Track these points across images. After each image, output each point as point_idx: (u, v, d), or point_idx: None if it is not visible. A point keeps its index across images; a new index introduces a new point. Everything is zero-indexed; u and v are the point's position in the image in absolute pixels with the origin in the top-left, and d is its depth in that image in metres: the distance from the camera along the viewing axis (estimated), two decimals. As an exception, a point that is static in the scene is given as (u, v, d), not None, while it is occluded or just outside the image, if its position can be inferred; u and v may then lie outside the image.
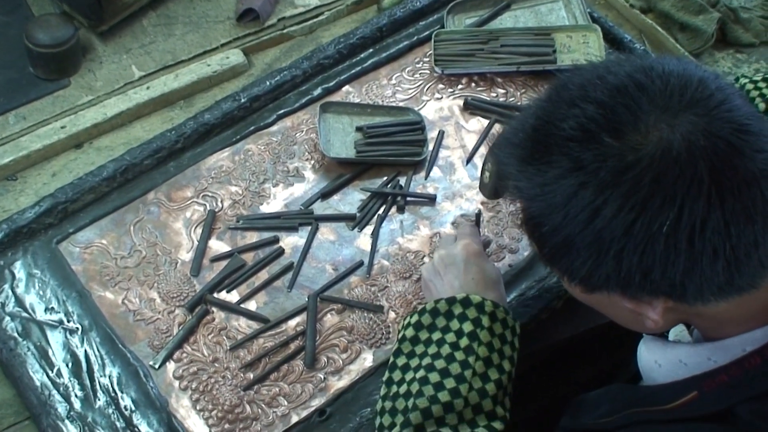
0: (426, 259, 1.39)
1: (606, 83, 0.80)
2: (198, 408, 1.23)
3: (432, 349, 1.09)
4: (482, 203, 1.45)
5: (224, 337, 1.30)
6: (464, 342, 1.08)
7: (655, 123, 0.76)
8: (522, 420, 1.23)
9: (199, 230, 1.40)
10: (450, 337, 1.10)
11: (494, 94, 1.62)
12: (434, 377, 1.05)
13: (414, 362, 1.10)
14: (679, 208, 0.74)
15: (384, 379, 1.13)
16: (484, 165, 1.27)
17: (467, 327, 1.10)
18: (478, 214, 1.31)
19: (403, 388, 1.07)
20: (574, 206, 0.78)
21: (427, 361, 1.08)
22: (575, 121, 0.79)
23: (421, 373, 1.07)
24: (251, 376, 1.26)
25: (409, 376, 1.08)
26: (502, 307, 1.13)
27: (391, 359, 1.14)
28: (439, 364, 1.07)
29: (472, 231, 1.25)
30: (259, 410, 1.23)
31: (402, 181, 1.49)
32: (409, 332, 1.13)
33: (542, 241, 0.84)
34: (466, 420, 1.03)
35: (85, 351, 1.27)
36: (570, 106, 0.80)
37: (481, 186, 1.29)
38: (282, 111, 1.56)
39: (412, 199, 1.47)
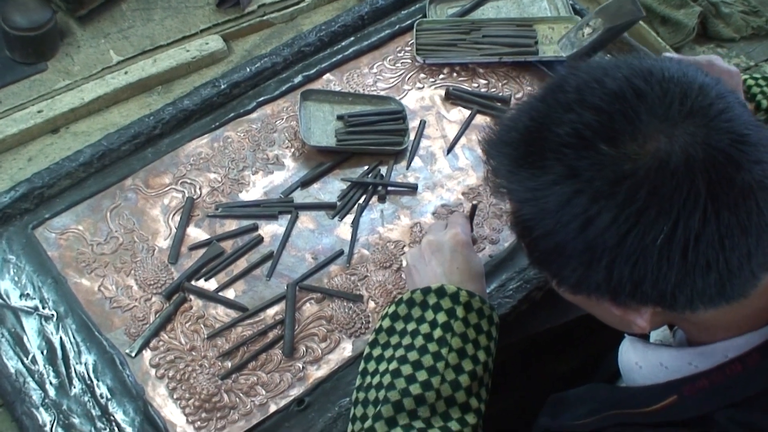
0: (407, 249, 1.38)
1: (604, 87, 0.78)
2: (175, 397, 1.22)
3: (406, 340, 1.08)
4: (461, 193, 1.44)
5: (202, 326, 1.28)
6: (437, 333, 1.07)
7: (653, 133, 0.74)
8: (500, 411, 1.23)
9: (177, 217, 1.39)
10: (424, 328, 1.08)
11: (476, 85, 1.61)
12: (406, 369, 1.04)
13: (388, 353, 1.09)
14: (674, 221, 0.73)
15: (360, 369, 1.12)
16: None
17: (441, 318, 1.08)
18: (474, 206, 1.29)
19: (376, 380, 1.06)
20: (566, 213, 0.76)
21: (400, 352, 1.07)
22: (571, 127, 0.77)
23: (394, 364, 1.06)
24: (229, 364, 1.25)
25: (382, 367, 1.07)
26: (478, 296, 1.12)
27: (367, 350, 1.13)
28: (412, 356, 1.06)
29: (464, 222, 1.24)
30: (237, 399, 1.22)
31: (383, 170, 1.48)
32: (386, 323, 1.13)
33: (533, 246, 0.83)
34: (439, 413, 1.02)
35: (61, 338, 1.26)
36: (566, 110, 0.78)
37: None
38: (262, 98, 1.55)
39: (393, 188, 1.46)
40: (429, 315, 1.10)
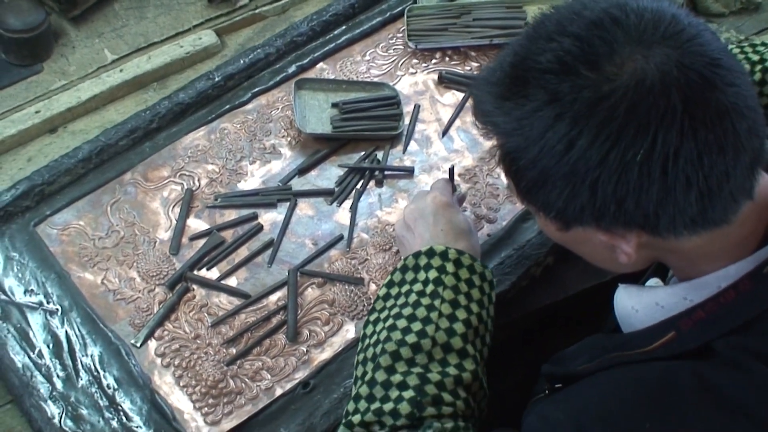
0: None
1: (582, 18, 0.82)
2: (181, 384, 1.23)
3: (400, 300, 1.11)
4: (458, 175, 1.45)
5: (205, 314, 1.30)
6: (430, 288, 1.10)
7: (630, 54, 0.78)
8: (503, 390, 1.23)
9: (177, 209, 1.40)
10: (417, 287, 1.11)
11: (468, 68, 1.62)
12: (402, 323, 1.07)
13: (384, 314, 1.11)
14: (652, 137, 0.76)
15: (360, 336, 1.14)
16: None
17: (432, 274, 1.11)
18: (451, 169, 1.31)
19: (374, 339, 1.09)
20: (550, 138, 0.80)
21: (395, 311, 1.10)
22: (552, 54, 0.81)
23: (390, 321, 1.08)
24: (234, 351, 1.26)
25: (379, 327, 1.10)
26: (468, 254, 1.14)
27: (366, 318, 1.15)
28: (407, 311, 1.08)
29: (444, 185, 1.26)
30: (243, 384, 1.23)
31: (379, 155, 1.49)
32: (382, 291, 1.15)
33: (519, 176, 0.86)
34: (437, 359, 1.04)
35: (66, 332, 1.27)
36: (547, 41, 0.82)
37: None
38: (257, 89, 1.56)
39: (390, 172, 1.47)
40: (421, 275, 1.12)
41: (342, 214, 1.42)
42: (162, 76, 1.64)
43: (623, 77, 0.77)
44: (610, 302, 1.05)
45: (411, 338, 1.04)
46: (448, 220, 1.19)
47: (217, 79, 1.54)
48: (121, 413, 1.21)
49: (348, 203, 1.43)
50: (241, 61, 1.57)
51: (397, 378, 1.02)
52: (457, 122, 1.54)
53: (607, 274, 1.35)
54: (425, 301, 1.08)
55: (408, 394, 1.00)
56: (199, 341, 1.27)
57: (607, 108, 0.77)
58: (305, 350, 1.27)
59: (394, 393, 1.01)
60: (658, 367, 0.86)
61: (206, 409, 1.21)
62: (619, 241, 0.86)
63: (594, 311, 1.38)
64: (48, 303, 1.30)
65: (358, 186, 1.45)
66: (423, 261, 1.13)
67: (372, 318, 1.13)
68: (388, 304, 1.12)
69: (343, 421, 1.04)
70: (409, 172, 1.47)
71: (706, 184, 0.78)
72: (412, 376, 1.02)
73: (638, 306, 0.97)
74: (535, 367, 1.25)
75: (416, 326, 1.06)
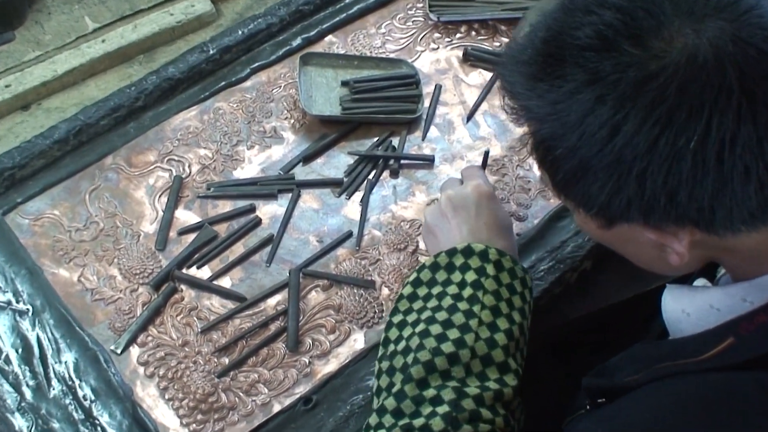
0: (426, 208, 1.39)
1: None
2: (167, 397, 1.22)
3: (432, 303, 1.10)
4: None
5: (195, 318, 1.29)
6: (467, 292, 1.09)
7: (680, 28, 0.77)
8: (530, 406, 1.22)
9: (164, 199, 1.40)
10: (452, 289, 1.10)
11: (497, 44, 1.62)
12: (436, 329, 1.06)
13: (412, 317, 1.10)
14: (706, 120, 0.75)
15: (381, 340, 1.13)
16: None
17: (470, 276, 1.10)
18: (486, 153, 1.31)
19: (402, 345, 1.08)
20: (590, 124, 0.79)
21: (427, 314, 1.09)
22: (592, 29, 0.80)
23: (421, 327, 1.08)
24: (226, 361, 1.25)
25: (407, 332, 1.09)
26: (509, 255, 1.14)
27: (388, 319, 1.14)
28: (441, 315, 1.07)
29: (481, 173, 1.26)
30: (236, 399, 1.22)
31: (395, 141, 1.49)
32: (407, 290, 1.15)
33: (555, 167, 0.85)
34: (475, 373, 1.04)
35: (37, 335, 1.27)
36: (585, 13, 0.81)
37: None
38: (256, 64, 1.56)
39: (407, 161, 1.47)
40: (456, 276, 1.11)
41: (351, 208, 1.41)
42: (149, 48, 1.66)
43: (673, 54, 0.76)
44: (657, 305, 1.04)
45: (447, 347, 1.04)
46: (492, 214, 1.19)
47: (211, 52, 1.55)
48: (98, 428, 1.20)
49: (358, 196, 1.43)
50: (239, 32, 1.57)
51: (430, 393, 1.02)
52: (484, 105, 1.54)
53: (650, 282, 1.34)
54: (463, 306, 1.08)
55: (442, 409, 1.00)
56: (187, 349, 1.26)
57: (656, 88, 0.76)
58: (307, 362, 1.26)
59: (426, 409, 1.01)
60: (716, 378, 0.85)
61: (194, 425, 1.20)
62: (669, 239, 0.86)
63: (635, 322, 1.38)
64: (17, 302, 1.30)
65: (370, 176, 1.45)
66: (459, 260, 1.12)
67: (396, 320, 1.12)
68: (416, 305, 1.12)
69: None
70: (428, 162, 1.46)
71: (767, 173, 0.77)
72: (446, 390, 1.01)
73: (690, 309, 0.96)
74: (568, 381, 1.25)
75: (453, 334, 1.05)
